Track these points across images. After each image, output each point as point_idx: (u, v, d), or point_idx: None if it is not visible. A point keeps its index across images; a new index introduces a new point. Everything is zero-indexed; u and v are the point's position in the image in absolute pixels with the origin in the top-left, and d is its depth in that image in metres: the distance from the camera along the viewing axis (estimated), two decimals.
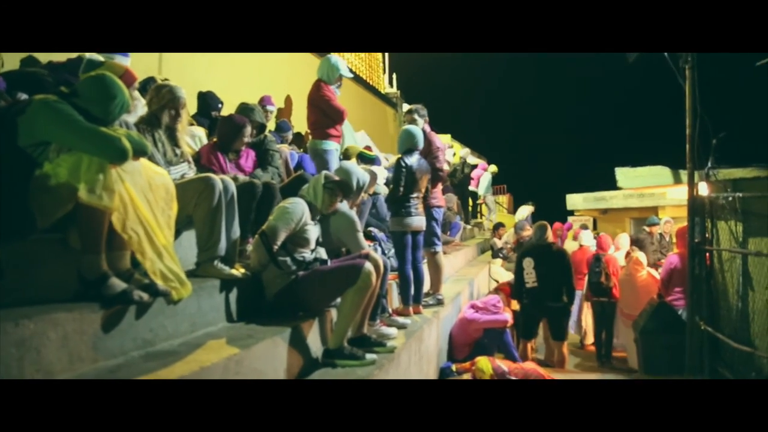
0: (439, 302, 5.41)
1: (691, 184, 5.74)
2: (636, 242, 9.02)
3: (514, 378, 4.82)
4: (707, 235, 5.89)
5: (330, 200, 3.75)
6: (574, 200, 14.84)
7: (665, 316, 6.15)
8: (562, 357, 6.41)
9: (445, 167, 5.94)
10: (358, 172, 4.26)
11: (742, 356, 5.02)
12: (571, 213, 15.18)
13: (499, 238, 11.13)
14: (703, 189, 5.93)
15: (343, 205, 4.13)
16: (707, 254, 5.81)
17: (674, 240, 7.52)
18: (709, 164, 5.88)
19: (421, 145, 4.92)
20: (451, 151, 14.46)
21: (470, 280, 7.52)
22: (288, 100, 8.09)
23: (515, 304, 6.88)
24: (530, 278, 6.35)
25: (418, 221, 4.83)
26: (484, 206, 11.01)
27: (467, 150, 13.38)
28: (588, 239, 8.32)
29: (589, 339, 8.37)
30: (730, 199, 5.34)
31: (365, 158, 5.94)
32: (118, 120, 2.67)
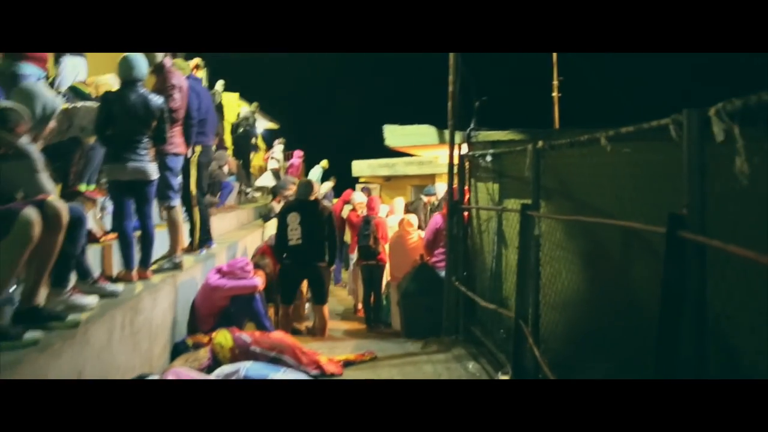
0: (177, 266, 4.59)
1: (452, 143, 5.63)
2: (410, 209, 9.01)
3: (258, 350, 4.22)
4: (467, 196, 5.89)
5: None
6: (360, 167, 14.77)
7: (426, 278, 6.06)
8: (323, 323, 5.99)
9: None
10: (44, 95, 3.24)
11: (493, 315, 5.03)
12: (357, 180, 15.13)
13: (279, 203, 10.55)
14: (465, 150, 5.89)
15: (22, 140, 3.12)
16: (465, 214, 5.79)
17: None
18: (471, 125, 5.85)
19: (139, 74, 4.03)
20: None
21: (232, 244, 6.77)
22: None
23: None
24: (295, 235, 5.77)
25: (137, 168, 3.98)
26: None
27: (248, 109, 12.48)
28: (359, 198, 8.06)
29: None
30: (488, 159, 5.32)
31: (79, 93, 4.83)
32: None
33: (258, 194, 12.94)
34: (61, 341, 2.67)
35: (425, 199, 9.26)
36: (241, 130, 11.87)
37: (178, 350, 4.34)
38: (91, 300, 3.26)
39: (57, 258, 3.11)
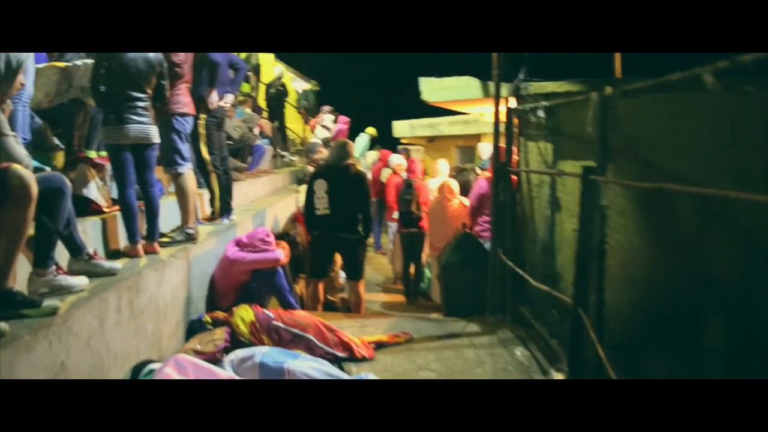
0: (190, 238, 4.16)
1: (498, 96, 4.94)
2: (458, 178, 8.09)
3: (281, 325, 3.80)
4: (515, 157, 5.23)
5: None
6: (401, 127, 14.11)
7: (469, 249, 5.47)
8: (358, 299, 5.49)
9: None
10: None
11: (544, 293, 4.44)
12: (398, 141, 14.50)
13: (314, 165, 10.06)
14: (513, 104, 5.20)
15: None
16: (514, 178, 5.15)
17: None
18: (520, 76, 5.13)
19: None
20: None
21: (259, 212, 6.33)
22: None
23: None
24: (322, 204, 5.23)
25: (139, 131, 3.56)
26: None
27: (281, 69, 11.89)
28: (396, 160, 7.43)
29: None
30: (541, 113, 4.63)
31: None
32: None
33: (296, 158, 12.48)
34: (33, 332, 2.26)
35: (479, 171, 8.32)
36: (273, 90, 11.33)
37: (193, 329, 3.94)
38: (79, 281, 2.85)
39: (36, 235, 2.72)
